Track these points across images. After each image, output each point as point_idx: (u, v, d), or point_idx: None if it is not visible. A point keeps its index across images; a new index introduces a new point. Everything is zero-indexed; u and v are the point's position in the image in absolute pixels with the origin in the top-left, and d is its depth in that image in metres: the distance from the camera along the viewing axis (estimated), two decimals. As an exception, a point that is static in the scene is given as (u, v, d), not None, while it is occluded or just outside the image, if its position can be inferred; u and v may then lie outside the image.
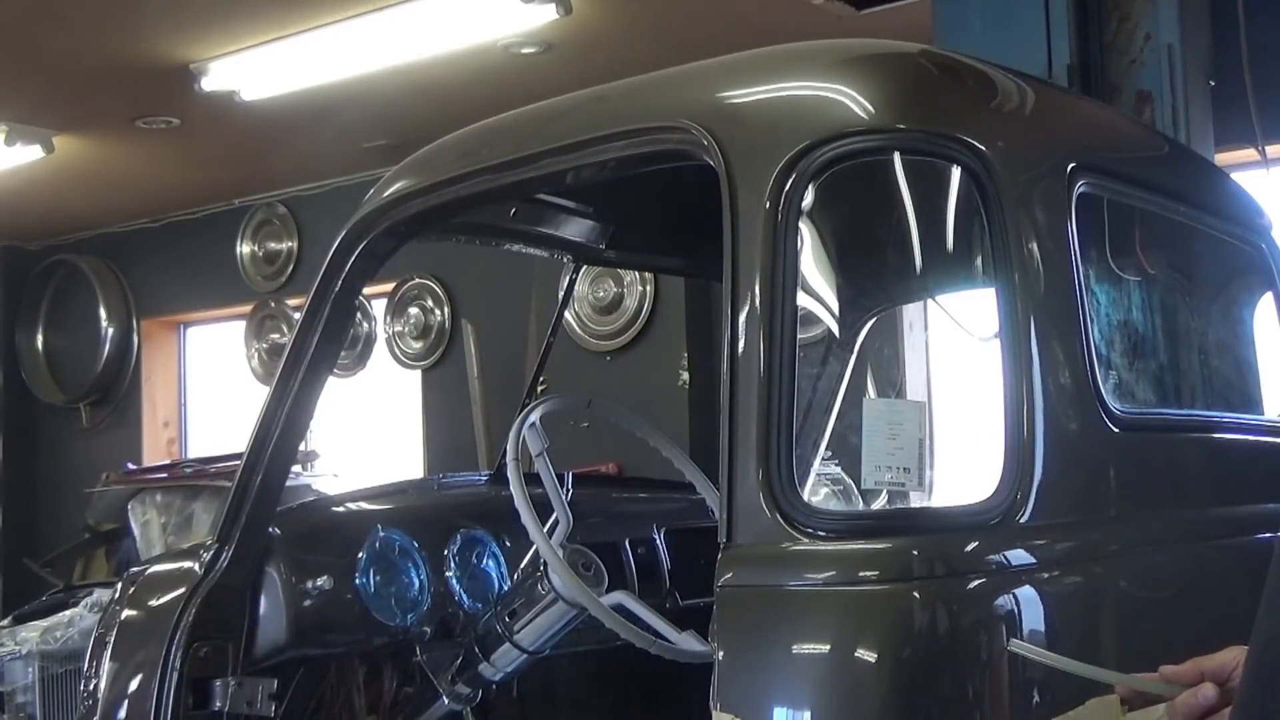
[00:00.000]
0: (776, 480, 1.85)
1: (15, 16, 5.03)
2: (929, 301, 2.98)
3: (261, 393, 3.46)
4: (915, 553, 1.82)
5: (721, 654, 1.83)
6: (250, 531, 2.62)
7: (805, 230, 1.97)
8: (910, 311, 4.26)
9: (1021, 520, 1.89)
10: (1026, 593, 1.86)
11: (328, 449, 6.74)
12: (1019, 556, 1.89)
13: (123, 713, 2.62)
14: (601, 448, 4.79)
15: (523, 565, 2.84)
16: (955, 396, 5.01)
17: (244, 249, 7.83)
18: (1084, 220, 2.12)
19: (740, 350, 1.91)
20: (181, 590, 2.61)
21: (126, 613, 2.71)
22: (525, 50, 5.44)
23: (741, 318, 1.92)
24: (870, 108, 1.99)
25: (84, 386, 8.39)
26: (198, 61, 5.53)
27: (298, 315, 2.83)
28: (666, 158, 2.17)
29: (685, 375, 6.12)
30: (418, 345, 7.17)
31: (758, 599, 1.86)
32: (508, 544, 2.95)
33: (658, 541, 3.12)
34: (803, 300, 1.97)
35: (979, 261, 2.07)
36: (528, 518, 2.44)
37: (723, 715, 1.81)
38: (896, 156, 2.02)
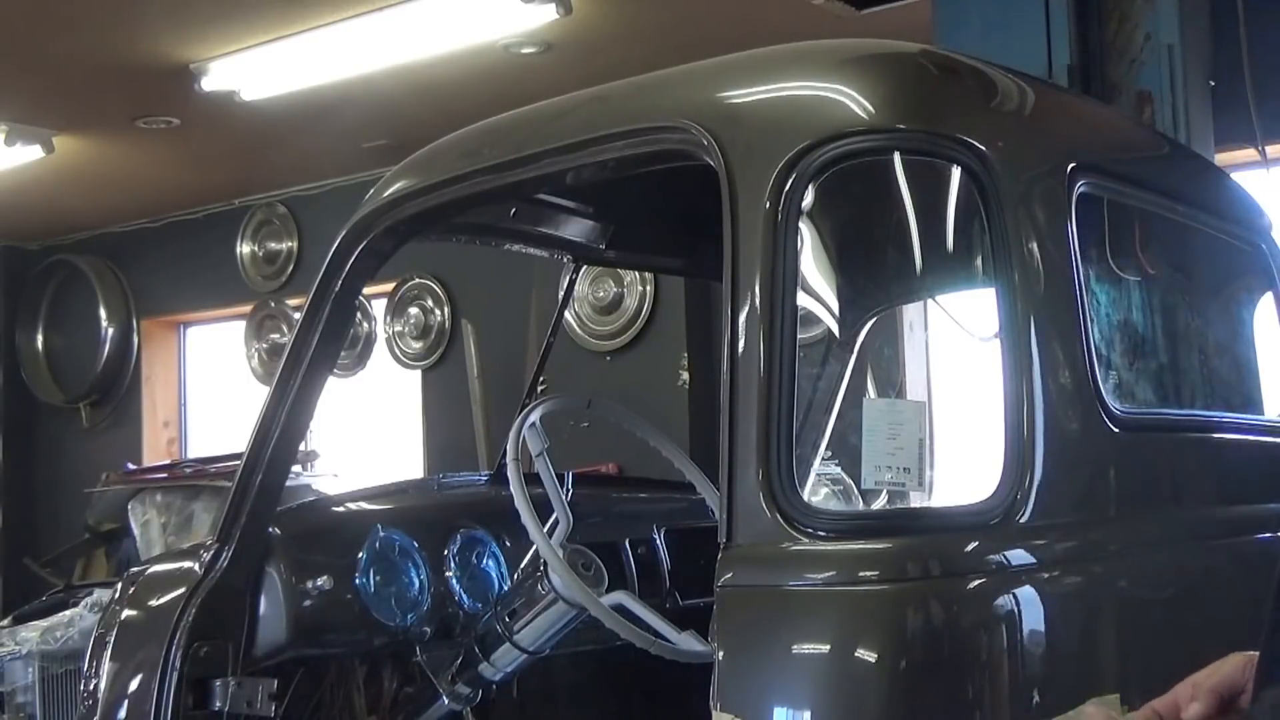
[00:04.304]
0: (776, 480, 1.85)
1: (15, 16, 5.03)
2: (929, 301, 2.98)
3: (261, 393, 3.46)
4: (915, 553, 1.83)
5: (721, 654, 1.83)
6: (250, 531, 2.62)
7: (805, 230, 1.97)
8: (910, 311, 4.27)
9: (1021, 520, 1.89)
10: (1026, 593, 1.86)
11: (328, 449, 6.74)
12: (1019, 556, 1.89)
13: (123, 713, 2.62)
14: (601, 448, 4.79)
15: (523, 565, 2.84)
16: (955, 396, 5.01)
17: (244, 249, 7.82)
18: (1084, 220, 2.12)
19: (740, 350, 1.91)
20: (181, 590, 2.61)
21: (126, 613, 2.71)
22: (525, 50, 5.44)
23: (741, 318, 1.92)
24: (870, 108, 1.99)
25: (84, 386, 8.39)
26: (198, 61, 5.53)
27: (298, 315, 2.83)
28: (666, 158, 2.17)
29: (685, 375, 6.12)
30: (418, 345, 7.16)
31: (758, 599, 1.86)
32: (508, 544, 2.95)
33: (658, 541, 3.12)
34: (803, 300, 1.97)
35: (979, 261, 2.07)
36: (528, 518, 2.44)
37: (723, 715, 1.80)
38: (896, 157, 2.02)
